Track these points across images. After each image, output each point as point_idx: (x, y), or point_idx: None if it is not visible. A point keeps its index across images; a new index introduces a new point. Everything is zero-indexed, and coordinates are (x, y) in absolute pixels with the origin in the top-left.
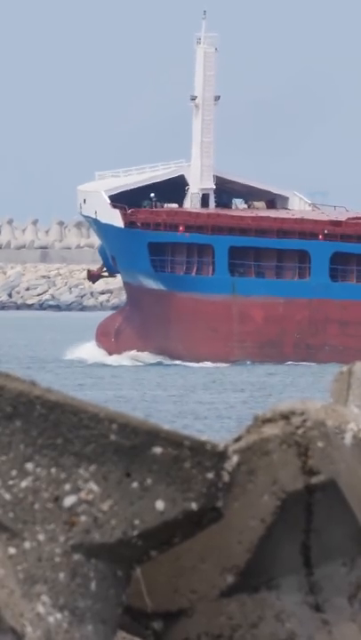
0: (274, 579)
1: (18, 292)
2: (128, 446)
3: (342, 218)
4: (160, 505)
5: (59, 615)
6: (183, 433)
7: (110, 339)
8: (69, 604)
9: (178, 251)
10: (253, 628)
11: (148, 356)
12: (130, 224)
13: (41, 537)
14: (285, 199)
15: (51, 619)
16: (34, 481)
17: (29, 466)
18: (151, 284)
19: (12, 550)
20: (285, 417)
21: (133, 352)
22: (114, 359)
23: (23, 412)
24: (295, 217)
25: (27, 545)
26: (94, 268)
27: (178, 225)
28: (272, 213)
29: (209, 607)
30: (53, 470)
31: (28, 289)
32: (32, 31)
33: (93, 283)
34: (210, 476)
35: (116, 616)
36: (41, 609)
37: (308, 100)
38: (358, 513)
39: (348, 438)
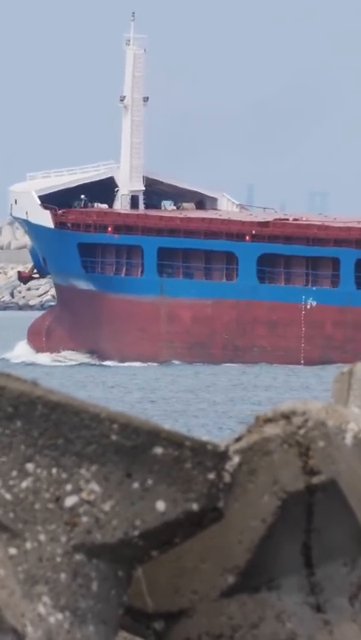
0: (275, 579)
1: None
2: (129, 447)
3: (270, 219)
4: (161, 505)
5: (60, 615)
6: (184, 433)
7: (41, 338)
8: (70, 604)
9: (107, 252)
10: (254, 628)
11: (78, 356)
12: (60, 225)
13: (42, 537)
14: (214, 200)
15: (52, 619)
16: (35, 481)
17: (30, 466)
18: (81, 284)
19: (12, 551)
20: (286, 417)
21: (63, 352)
22: (42, 358)
23: (24, 412)
24: (223, 218)
25: (28, 545)
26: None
27: (107, 226)
28: (200, 214)
29: (210, 607)
30: (54, 471)
31: None
32: None
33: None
34: (211, 476)
35: (117, 616)
36: (42, 609)
37: (308, 99)
38: (359, 513)
39: (348, 438)
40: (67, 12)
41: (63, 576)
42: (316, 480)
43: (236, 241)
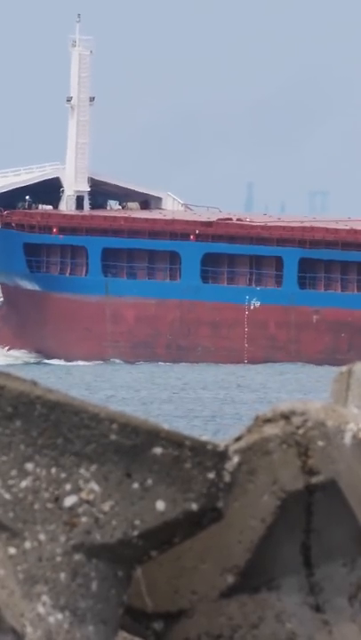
0: (274, 579)
1: None
2: (129, 446)
3: (214, 219)
4: (161, 505)
5: (59, 615)
6: (184, 433)
7: None
8: (70, 604)
9: (52, 252)
10: (254, 628)
11: (23, 355)
12: (5, 225)
13: (41, 537)
14: (159, 200)
15: (51, 619)
16: (34, 481)
17: (30, 466)
18: (27, 284)
19: (12, 550)
20: (286, 417)
21: (10, 351)
22: None
23: (24, 411)
24: (167, 218)
25: (27, 545)
26: None
27: (52, 226)
28: (145, 215)
29: (209, 607)
30: (54, 470)
31: None
32: None
33: None
34: (210, 476)
35: (116, 616)
36: (41, 609)
37: (308, 97)
38: (359, 513)
39: (348, 438)
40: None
41: (63, 576)
42: (315, 480)
43: (179, 241)
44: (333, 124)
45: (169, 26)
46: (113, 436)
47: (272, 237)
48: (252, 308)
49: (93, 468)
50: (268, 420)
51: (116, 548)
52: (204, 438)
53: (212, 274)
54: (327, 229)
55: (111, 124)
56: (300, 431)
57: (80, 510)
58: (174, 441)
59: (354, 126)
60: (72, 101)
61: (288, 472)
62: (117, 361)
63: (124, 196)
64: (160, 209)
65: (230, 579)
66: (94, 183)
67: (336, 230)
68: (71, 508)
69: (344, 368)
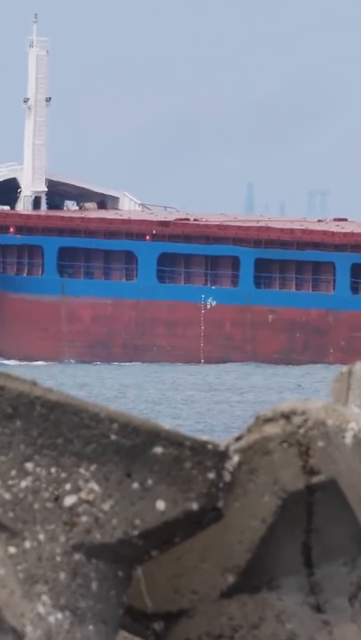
0: (275, 579)
1: None
2: (129, 446)
3: (171, 219)
4: (161, 505)
5: (59, 615)
6: (184, 433)
7: None
8: (70, 604)
9: (9, 252)
10: (254, 628)
11: None
12: None
13: (41, 537)
14: (116, 200)
15: (51, 619)
16: (34, 481)
17: (29, 465)
18: None
19: (12, 550)
20: (286, 416)
21: None
22: None
23: (23, 412)
24: (123, 218)
25: (27, 545)
26: None
27: (9, 227)
28: (101, 214)
29: (210, 607)
30: (54, 470)
31: None
32: None
33: None
34: (211, 475)
35: (117, 616)
36: (41, 609)
37: (307, 97)
38: (359, 513)
39: (348, 438)
40: None
41: (63, 576)
42: (316, 480)
43: (135, 240)
44: (333, 124)
45: (169, 26)
46: (113, 436)
47: (228, 237)
48: (208, 307)
49: (93, 467)
50: (268, 420)
51: (116, 547)
52: (205, 438)
53: (168, 273)
54: (282, 229)
55: (102, 125)
56: (301, 431)
57: (80, 510)
58: (174, 441)
59: (353, 126)
60: (29, 102)
61: (289, 472)
62: (73, 361)
63: (81, 196)
64: (117, 209)
65: (231, 578)
66: (51, 184)
67: (291, 230)
68: (71, 508)
69: (345, 368)
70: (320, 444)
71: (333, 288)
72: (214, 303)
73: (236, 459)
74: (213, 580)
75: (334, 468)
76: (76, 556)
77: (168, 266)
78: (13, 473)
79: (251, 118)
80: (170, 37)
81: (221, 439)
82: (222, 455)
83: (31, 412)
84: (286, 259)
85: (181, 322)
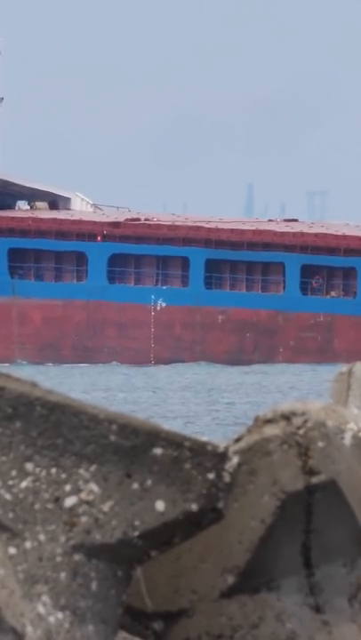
0: (274, 579)
1: None
2: (128, 447)
3: (122, 219)
4: (160, 505)
5: (59, 615)
6: (184, 434)
7: None
8: (70, 604)
9: None
10: (254, 628)
11: None
12: None
13: (41, 537)
14: (67, 200)
15: (51, 619)
16: (34, 481)
17: (29, 466)
18: None
19: (12, 550)
20: (286, 417)
21: None
22: None
23: (23, 412)
24: (74, 218)
25: (27, 545)
26: None
27: None
28: (52, 215)
29: (209, 607)
30: (54, 471)
31: None
32: None
33: None
34: (210, 476)
35: (116, 616)
36: (41, 609)
37: (308, 97)
38: (359, 513)
39: (348, 438)
40: None
41: (63, 576)
42: (315, 480)
43: (86, 241)
44: (333, 124)
45: (169, 26)
46: (112, 437)
47: (178, 237)
48: (158, 308)
49: (93, 468)
50: (268, 421)
51: (115, 548)
52: (204, 439)
53: (118, 274)
54: (233, 230)
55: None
56: (301, 431)
57: (80, 510)
58: (174, 442)
59: (353, 127)
60: None
61: (288, 472)
62: (24, 362)
63: (32, 196)
64: (68, 209)
65: (230, 579)
66: (3, 184)
67: (242, 231)
68: (71, 509)
69: (344, 368)
70: (320, 444)
71: (283, 289)
72: (164, 304)
73: (235, 459)
74: (213, 581)
75: (334, 468)
76: (76, 557)
77: (119, 266)
78: (14, 473)
79: (251, 118)
80: (170, 37)
81: (221, 440)
82: (222, 456)
83: (31, 413)
84: (236, 259)
85: (132, 323)
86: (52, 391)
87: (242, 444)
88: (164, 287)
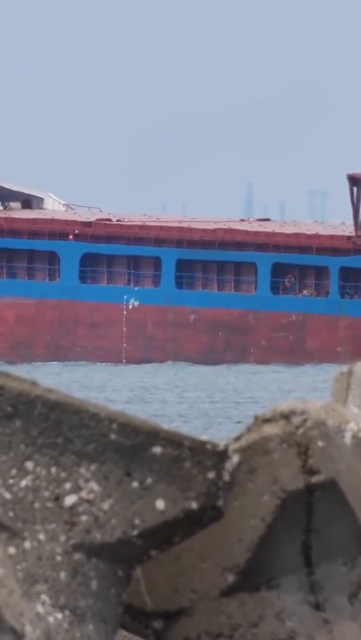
0: (274, 578)
1: None
2: (128, 446)
3: (93, 219)
4: (160, 504)
5: (59, 615)
6: (183, 433)
7: None
8: (70, 603)
9: None
10: (254, 627)
11: None
12: None
13: (41, 536)
14: (40, 200)
15: (51, 618)
16: (34, 480)
17: (29, 465)
18: None
19: (11, 550)
20: (286, 416)
21: None
22: None
23: (23, 411)
24: (46, 218)
25: (27, 544)
26: None
27: None
28: (25, 214)
29: (209, 606)
30: (54, 469)
31: None
32: None
33: None
34: (210, 475)
35: (116, 615)
36: (41, 608)
37: (308, 97)
38: (358, 512)
39: (348, 438)
40: None
41: (63, 575)
42: (315, 479)
43: (58, 241)
44: (333, 123)
45: (169, 26)
46: (113, 436)
47: (150, 237)
48: (130, 307)
49: (93, 467)
50: (267, 420)
51: (115, 547)
52: (204, 438)
53: (90, 274)
54: (204, 230)
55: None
56: (300, 431)
57: (80, 509)
58: (174, 440)
59: (355, 125)
60: None
61: (288, 471)
62: None
63: (5, 196)
64: (41, 209)
65: (230, 577)
66: None
67: (213, 231)
68: (71, 508)
69: (345, 368)
70: (319, 443)
71: (255, 288)
72: (136, 304)
73: (235, 458)
74: (213, 579)
75: (334, 467)
76: (76, 556)
77: (90, 266)
78: (13, 472)
79: (251, 118)
80: (169, 37)
81: (221, 439)
82: (222, 455)
83: (31, 412)
84: (208, 259)
85: (104, 322)
86: (52, 390)
87: (242, 443)
88: (136, 287)
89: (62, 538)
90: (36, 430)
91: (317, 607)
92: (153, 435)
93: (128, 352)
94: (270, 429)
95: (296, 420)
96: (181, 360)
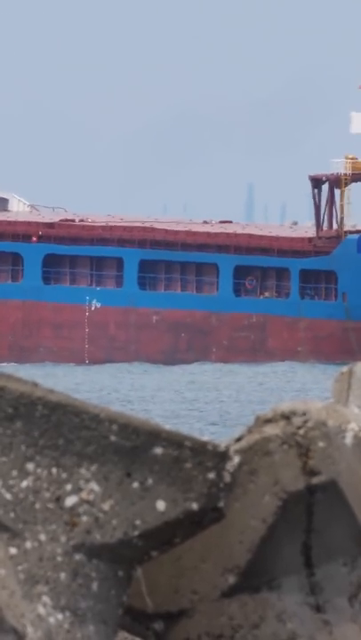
0: (275, 579)
1: None
2: (129, 447)
3: (57, 219)
4: (161, 505)
5: (60, 615)
6: (184, 433)
7: None
8: (71, 604)
9: None
10: (255, 628)
11: None
12: None
13: (42, 537)
14: (5, 201)
15: (52, 619)
16: (35, 481)
17: (30, 466)
18: None
19: (13, 550)
20: (286, 417)
21: None
22: None
23: (24, 412)
24: (9, 219)
25: (28, 545)
26: None
27: None
28: None
29: (210, 607)
30: (54, 470)
31: None
32: None
33: None
34: (211, 476)
35: (117, 616)
36: (42, 609)
37: (309, 97)
38: (359, 513)
39: (348, 438)
40: None
41: (63, 576)
42: (316, 480)
43: (21, 242)
44: (333, 124)
45: (168, 25)
46: (113, 437)
47: (113, 238)
48: (92, 308)
49: (94, 468)
50: (268, 421)
51: (116, 547)
52: (205, 439)
53: (53, 275)
54: (167, 230)
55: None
56: (301, 431)
57: (81, 510)
58: (175, 441)
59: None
60: None
61: (289, 472)
62: None
63: None
64: (6, 210)
65: (231, 578)
66: None
67: (176, 232)
68: (72, 508)
69: (345, 368)
70: (320, 444)
71: (217, 289)
72: (99, 305)
73: (236, 459)
74: (214, 580)
75: (334, 468)
76: (77, 557)
77: (53, 267)
78: (14, 473)
79: (251, 118)
80: (170, 37)
81: (222, 440)
82: (222, 456)
83: (32, 413)
84: (170, 260)
85: (67, 323)
86: (53, 391)
87: (242, 444)
88: (99, 288)
89: (63, 539)
90: (37, 431)
91: (318, 608)
92: (154, 435)
93: (90, 353)
94: (271, 430)
95: (297, 420)
96: (144, 360)
